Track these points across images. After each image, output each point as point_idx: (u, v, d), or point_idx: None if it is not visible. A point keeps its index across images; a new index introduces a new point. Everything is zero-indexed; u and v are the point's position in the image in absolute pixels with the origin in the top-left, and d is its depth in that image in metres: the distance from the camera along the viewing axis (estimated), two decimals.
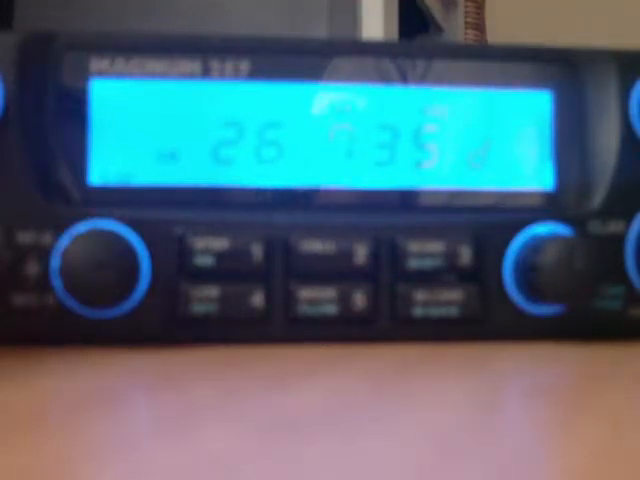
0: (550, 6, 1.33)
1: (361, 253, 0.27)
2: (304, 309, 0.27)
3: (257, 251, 0.27)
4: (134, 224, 0.27)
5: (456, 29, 1.11)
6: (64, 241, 0.26)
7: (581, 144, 0.29)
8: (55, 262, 0.26)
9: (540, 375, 0.23)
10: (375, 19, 0.95)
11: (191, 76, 0.28)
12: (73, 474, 0.13)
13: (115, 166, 0.27)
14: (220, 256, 0.27)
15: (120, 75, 0.27)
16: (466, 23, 1.12)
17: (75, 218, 0.26)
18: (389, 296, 0.28)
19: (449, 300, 0.28)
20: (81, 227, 0.26)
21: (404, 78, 0.29)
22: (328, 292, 0.27)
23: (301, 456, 0.15)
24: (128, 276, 0.26)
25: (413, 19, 1.14)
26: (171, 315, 0.27)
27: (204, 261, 0.27)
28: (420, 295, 0.28)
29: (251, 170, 0.28)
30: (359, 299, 0.27)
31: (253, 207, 0.28)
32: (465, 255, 0.28)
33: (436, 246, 0.28)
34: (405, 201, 0.29)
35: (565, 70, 0.29)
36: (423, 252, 0.28)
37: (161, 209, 0.27)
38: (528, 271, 0.28)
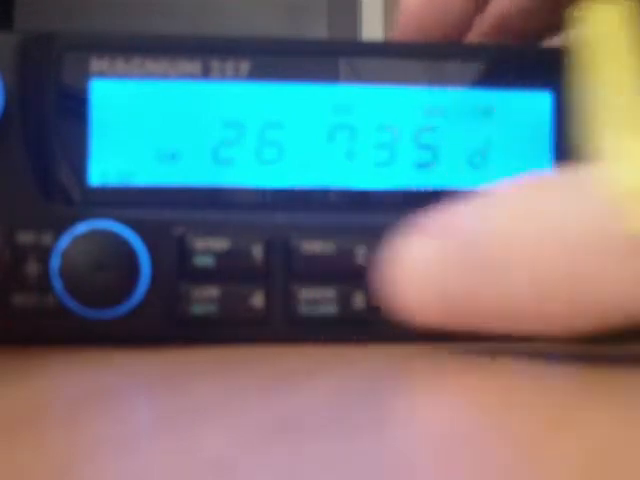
0: None
1: (361, 253, 0.27)
2: (304, 309, 0.27)
3: (257, 251, 0.27)
4: (134, 224, 0.27)
5: None
6: (64, 241, 0.26)
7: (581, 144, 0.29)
8: (55, 262, 0.26)
9: (540, 375, 0.23)
10: (375, 19, 0.95)
11: (191, 76, 0.28)
12: (73, 474, 0.13)
13: (115, 166, 0.27)
14: (220, 256, 0.27)
15: (120, 75, 0.27)
16: None
17: (75, 218, 0.26)
18: None
19: None
20: (81, 227, 0.26)
21: (404, 78, 0.29)
22: (328, 292, 0.27)
23: (301, 456, 0.15)
24: (128, 276, 0.26)
25: None
26: (171, 315, 0.27)
27: (204, 261, 0.27)
28: None
29: (251, 170, 0.28)
30: (359, 299, 0.27)
31: (253, 207, 0.28)
32: None
33: None
34: (405, 201, 0.29)
35: (565, 70, 0.29)
36: None
37: (161, 209, 0.27)
38: None
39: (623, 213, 0.19)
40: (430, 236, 0.22)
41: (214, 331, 0.27)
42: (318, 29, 0.86)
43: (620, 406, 0.20)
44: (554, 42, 0.31)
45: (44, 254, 0.26)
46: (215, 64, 0.28)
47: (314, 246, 0.27)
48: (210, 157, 0.28)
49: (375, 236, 0.28)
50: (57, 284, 0.26)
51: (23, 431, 0.16)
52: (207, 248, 0.27)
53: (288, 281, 0.27)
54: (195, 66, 0.28)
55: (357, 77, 0.29)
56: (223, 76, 0.28)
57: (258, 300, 0.27)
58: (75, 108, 0.27)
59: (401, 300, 0.22)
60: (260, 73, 0.28)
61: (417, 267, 0.22)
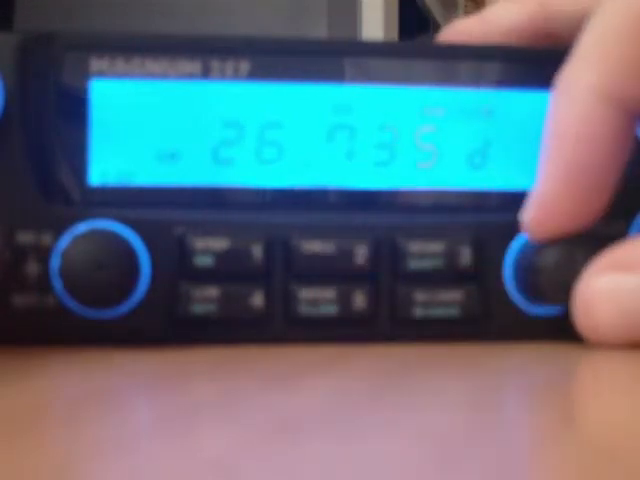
0: None
1: (361, 253, 0.27)
2: (304, 309, 0.27)
3: (257, 251, 0.27)
4: (134, 224, 0.27)
5: None
6: (64, 241, 0.26)
7: None
8: (55, 262, 0.26)
9: (540, 375, 0.23)
10: (375, 19, 0.95)
11: (191, 76, 0.28)
12: (72, 474, 0.13)
13: (115, 166, 0.27)
14: (220, 256, 0.27)
15: (120, 75, 0.27)
16: None
17: (75, 218, 0.26)
18: (389, 296, 0.28)
19: (449, 300, 0.28)
20: (81, 227, 0.26)
21: (404, 78, 0.29)
22: (328, 292, 0.27)
23: (301, 456, 0.15)
24: (128, 276, 0.26)
25: (413, 19, 1.14)
26: (171, 315, 0.27)
27: (204, 261, 0.27)
28: (420, 295, 0.28)
29: (251, 170, 0.28)
30: (359, 299, 0.27)
31: (253, 207, 0.28)
32: (465, 255, 0.28)
33: (436, 246, 0.28)
34: (405, 201, 0.29)
35: None
36: (423, 252, 0.28)
37: (161, 209, 0.27)
38: (528, 271, 0.28)
39: None
40: (620, 269, 0.26)
41: (214, 331, 0.27)
42: (318, 29, 0.86)
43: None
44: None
45: (44, 254, 0.26)
46: (215, 64, 0.28)
47: (314, 246, 0.27)
48: (210, 157, 0.28)
49: (375, 236, 0.28)
50: (57, 284, 0.26)
51: (23, 431, 0.16)
52: (207, 248, 0.27)
53: (288, 281, 0.27)
54: (195, 66, 0.28)
55: (357, 77, 0.29)
56: (223, 76, 0.28)
57: (258, 300, 0.27)
58: (75, 108, 0.27)
59: (591, 318, 0.26)
60: (260, 73, 0.28)
61: (609, 294, 0.26)
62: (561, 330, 0.28)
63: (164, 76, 0.28)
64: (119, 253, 0.26)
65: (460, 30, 0.32)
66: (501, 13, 0.31)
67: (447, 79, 0.29)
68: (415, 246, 0.28)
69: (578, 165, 0.27)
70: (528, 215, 0.27)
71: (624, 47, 0.26)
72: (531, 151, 0.29)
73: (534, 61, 0.29)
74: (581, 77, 0.27)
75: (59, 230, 0.26)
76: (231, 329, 0.27)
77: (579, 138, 0.26)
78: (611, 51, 0.26)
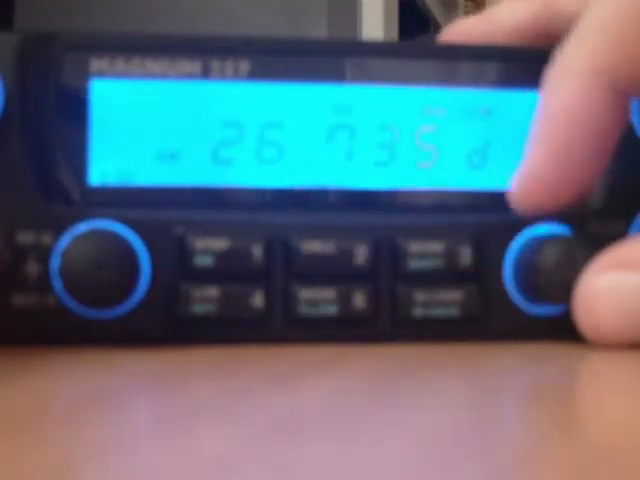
0: None
1: (361, 253, 0.27)
2: (304, 309, 0.27)
3: (257, 251, 0.27)
4: (134, 224, 0.27)
5: None
6: (64, 241, 0.26)
7: None
8: (55, 262, 0.26)
9: (540, 375, 0.23)
10: (375, 19, 0.95)
11: (191, 76, 0.28)
12: (73, 474, 0.13)
13: (115, 166, 0.27)
14: (220, 256, 0.27)
15: (120, 75, 0.27)
16: None
17: (75, 218, 0.26)
18: (389, 296, 0.28)
19: (449, 300, 0.28)
20: (81, 227, 0.26)
21: (404, 78, 0.29)
22: (328, 292, 0.27)
23: (301, 456, 0.15)
24: (128, 276, 0.26)
25: (413, 19, 1.14)
26: (171, 315, 0.27)
27: (204, 261, 0.27)
28: (420, 295, 0.28)
29: (251, 170, 0.28)
30: (359, 299, 0.27)
31: (253, 207, 0.28)
32: (465, 255, 0.28)
33: (436, 246, 0.28)
34: (405, 201, 0.29)
35: None
36: (423, 252, 0.28)
37: (161, 209, 0.27)
38: (528, 271, 0.28)
39: None
40: (622, 268, 0.26)
41: (214, 331, 0.27)
42: (318, 29, 0.86)
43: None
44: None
45: (44, 254, 0.26)
46: (215, 64, 0.28)
47: (314, 246, 0.27)
48: (210, 157, 0.28)
49: (375, 236, 0.28)
50: (57, 284, 0.26)
51: (23, 431, 0.16)
52: (207, 248, 0.27)
53: (288, 281, 0.27)
54: (195, 66, 0.28)
55: (357, 77, 0.29)
56: (223, 76, 0.28)
57: (258, 300, 0.27)
58: (75, 108, 0.27)
59: (592, 317, 0.26)
60: (260, 73, 0.28)
61: (610, 293, 0.26)
62: (562, 330, 0.28)
63: (164, 76, 0.28)
64: (119, 253, 0.26)
65: (460, 30, 0.32)
66: (505, 13, 0.31)
67: (447, 79, 0.29)
68: (415, 246, 0.28)
69: (567, 138, 0.27)
70: (515, 185, 0.27)
71: (620, 28, 0.26)
72: None
73: (534, 61, 0.29)
74: (577, 56, 0.27)
75: (59, 230, 0.26)
76: (231, 329, 0.27)
77: (571, 113, 0.27)
78: (607, 31, 0.26)
